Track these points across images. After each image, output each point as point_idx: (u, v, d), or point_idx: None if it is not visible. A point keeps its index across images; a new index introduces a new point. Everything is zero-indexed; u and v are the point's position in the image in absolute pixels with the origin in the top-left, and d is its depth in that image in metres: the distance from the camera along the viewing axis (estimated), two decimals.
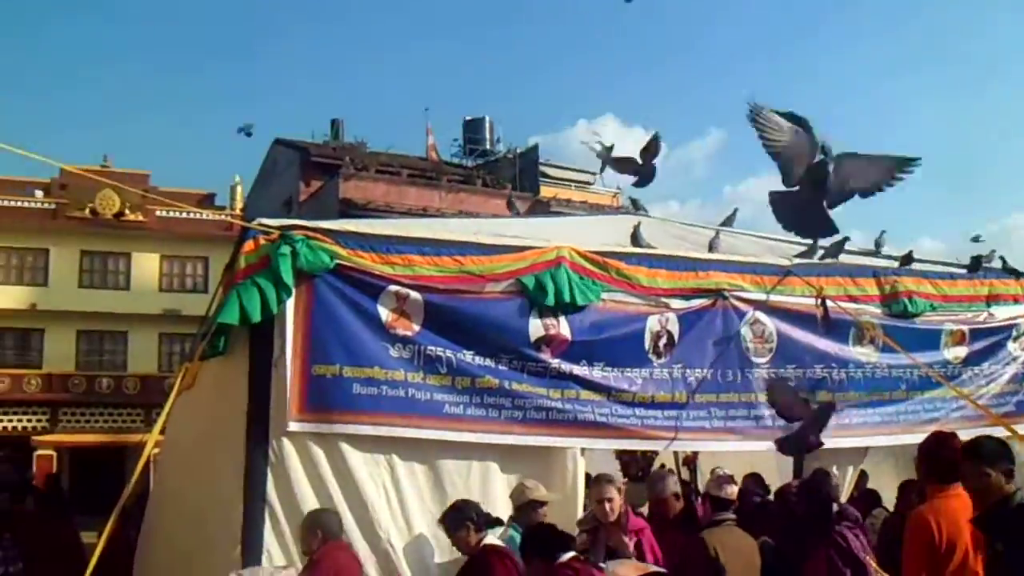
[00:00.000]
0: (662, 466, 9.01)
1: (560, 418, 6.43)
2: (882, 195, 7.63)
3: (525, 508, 6.09)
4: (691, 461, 10.35)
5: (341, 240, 6.05)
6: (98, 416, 35.85)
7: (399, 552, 5.97)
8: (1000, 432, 8.05)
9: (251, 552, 5.69)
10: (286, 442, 5.82)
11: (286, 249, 5.77)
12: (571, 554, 5.25)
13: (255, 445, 5.79)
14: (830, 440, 7.49)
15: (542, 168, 42.32)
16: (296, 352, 5.82)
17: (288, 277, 5.75)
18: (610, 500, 5.98)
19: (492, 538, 5.50)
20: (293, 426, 5.78)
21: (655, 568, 3.52)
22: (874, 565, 5.68)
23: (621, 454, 9.17)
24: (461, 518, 5.54)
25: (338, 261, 5.97)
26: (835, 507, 5.81)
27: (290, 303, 5.85)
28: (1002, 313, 8.68)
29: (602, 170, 8.67)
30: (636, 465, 9.23)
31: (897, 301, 7.98)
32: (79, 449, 34.10)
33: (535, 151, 42.87)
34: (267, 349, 5.87)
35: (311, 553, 5.44)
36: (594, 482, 6.09)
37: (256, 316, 5.70)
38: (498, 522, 5.64)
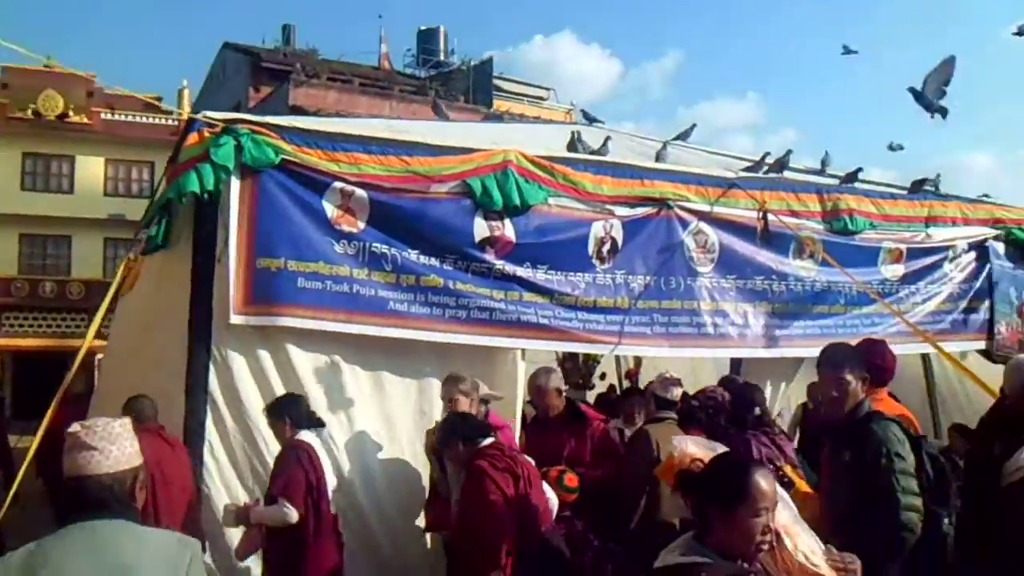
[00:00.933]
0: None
1: (503, 319, 6.50)
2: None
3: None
4: (633, 375, 10.52)
5: (287, 136, 6.00)
6: (41, 321, 35.35)
7: (340, 447, 6.07)
8: (930, 349, 8.41)
9: (193, 445, 5.74)
10: (229, 336, 5.84)
11: (227, 139, 5.72)
12: (491, 439, 5.40)
13: (198, 339, 5.80)
14: (771, 350, 7.68)
15: (496, 82, 41.88)
16: (240, 245, 5.80)
17: (228, 160, 5.70)
18: (452, 401, 5.85)
19: (308, 435, 5.52)
20: (236, 319, 5.78)
21: (722, 448, 3.59)
22: (787, 470, 5.81)
23: (563, 362, 9.29)
24: (281, 411, 5.56)
25: (283, 157, 5.92)
26: (756, 410, 5.93)
27: (235, 197, 5.81)
28: (940, 234, 8.86)
29: None
30: (578, 373, 9.35)
31: (838, 218, 8.10)
32: (22, 353, 33.72)
33: (489, 64, 42.31)
34: (210, 243, 5.85)
35: None
36: (443, 383, 6.02)
37: (193, 187, 5.63)
38: (320, 424, 5.65)
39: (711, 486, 3.06)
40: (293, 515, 5.25)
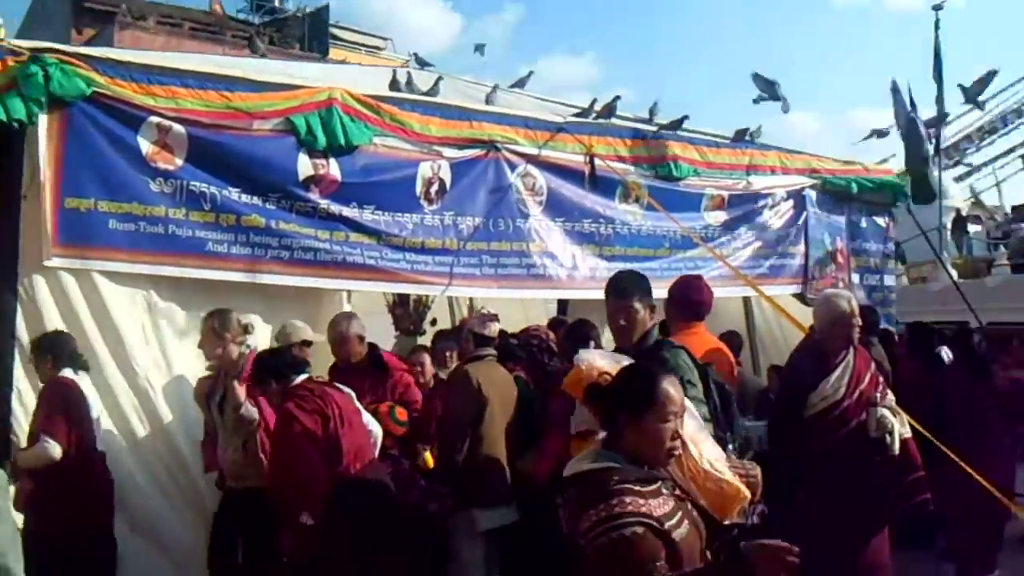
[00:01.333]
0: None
1: (328, 259, 6.39)
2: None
3: (291, 349, 6.07)
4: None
5: (99, 67, 5.67)
6: None
7: (158, 391, 5.89)
8: (751, 293, 8.75)
9: (0, 390, 5.47)
10: (38, 277, 5.55)
11: (36, 69, 5.35)
12: (305, 376, 5.40)
13: (3, 281, 5.47)
14: (598, 292, 7.80)
15: (333, 30, 41.00)
16: (47, 184, 5.49)
17: (40, 92, 5.34)
18: (202, 337, 5.85)
19: (71, 374, 5.43)
20: (46, 261, 5.50)
21: (627, 360, 3.61)
22: None
23: (394, 307, 9.23)
24: (44, 349, 5.45)
25: (95, 89, 5.61)
26: (591, 344, 6.04)
27: (42, 132, 5.47)
28: (760, 183, 9.25)
29: None
30: (409, 319, 9.29)
31: (663, 164, 8.33)
32: None
33: (326, 12, 41.28)
34: (15, 181, 5.51)
35: None
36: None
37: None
38: (85, 367, 5.54)
39: (620, 394, 3.11)
40: (56, 450, 5.16)
